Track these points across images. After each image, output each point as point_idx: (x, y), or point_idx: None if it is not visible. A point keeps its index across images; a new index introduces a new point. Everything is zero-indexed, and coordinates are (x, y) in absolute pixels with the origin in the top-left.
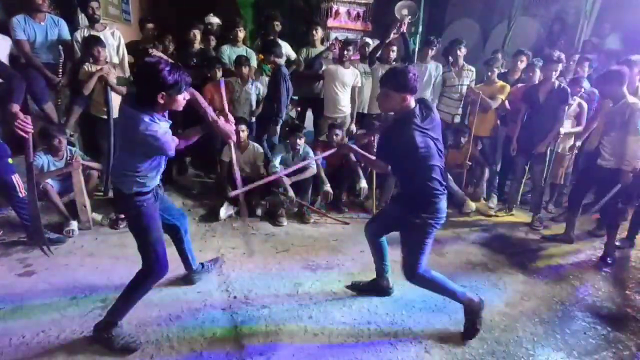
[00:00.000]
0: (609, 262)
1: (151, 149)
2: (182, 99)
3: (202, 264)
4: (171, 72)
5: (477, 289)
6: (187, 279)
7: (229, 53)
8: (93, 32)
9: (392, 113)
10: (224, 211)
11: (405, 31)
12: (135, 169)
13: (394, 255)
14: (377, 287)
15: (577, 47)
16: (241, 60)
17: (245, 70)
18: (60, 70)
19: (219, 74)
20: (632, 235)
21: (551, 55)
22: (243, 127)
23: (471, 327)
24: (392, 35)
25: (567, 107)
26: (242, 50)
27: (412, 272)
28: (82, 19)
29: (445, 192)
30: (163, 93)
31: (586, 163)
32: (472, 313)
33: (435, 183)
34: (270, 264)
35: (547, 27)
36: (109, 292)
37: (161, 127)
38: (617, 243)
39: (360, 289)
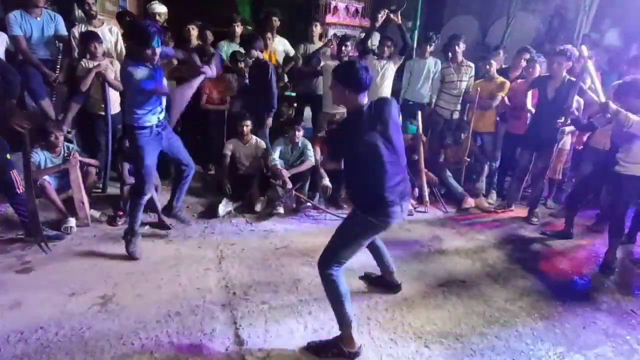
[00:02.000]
0: (610, 270)
1: (130, 85)
2: (150, 53)
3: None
4: (145, 27)
5: (476, 285)
6: (164, 212)
7: (226, 49)
8: (90, 28)
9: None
10: (223, 208)
11: (396, 21)
12: (132, 106)
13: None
14: (385, 283)
15: (577, 43)
16: (237, 56)
17: (242, 65)
18: (58, 66)
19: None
20: (634, 232)
21: (554, 49)
22: (248, 122)
23: (328, 350)
24: (379, 20)
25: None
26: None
27: (322, 263)
28: (80, 15)
29: (402, 201)
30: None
31: (598, 164)
32: (340, 348)
33: (388, 192)
34: (270, 260)
35: (547, 22)
36: (108, 289)
37: (138, 71)
38: None
39: (371, 281)
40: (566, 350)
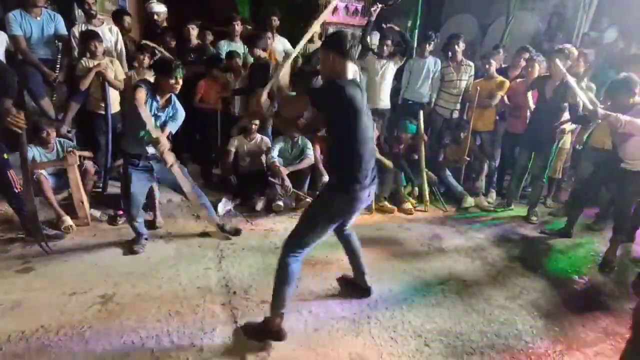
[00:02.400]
0: (610, 268)
1: (130, 107)
2: (174, 82)
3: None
4: (170, 60)
5: (476, 284)
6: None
7: (226, 48)
8: (90, 27)
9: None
10: (222, 206)
11: (395, 29)
12: (127, 130)
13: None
14: (356, 286)
15: (576, 42)
16: (232, 55)
17: (239, 62)
18: (58, 66)
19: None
20: (633, 230)
21: (553, 48)
22: (257, 120)
23: (259, 331)
24: (373, 15)
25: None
26: (239, 45)
27: (286, 247)
28: (80, 14)
29: (370, 186)
30: (155, 74)
31: (600, 163)
32: (266, 328)
33: (362, 173)
34: (270, 260)
35: (546, 21)
36: (108, 288)
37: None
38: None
39: (346, 283)
40: (565, 348)
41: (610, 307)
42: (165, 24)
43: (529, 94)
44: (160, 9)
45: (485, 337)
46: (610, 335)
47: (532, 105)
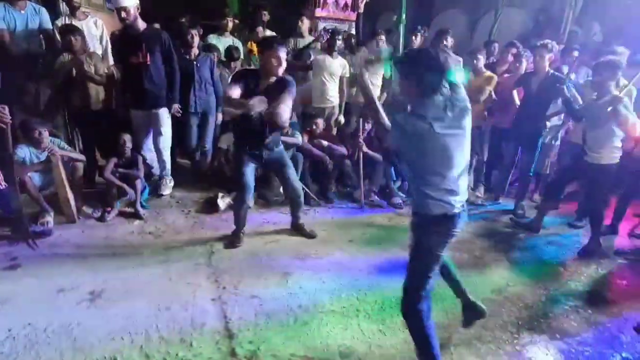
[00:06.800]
0: (589, 256)
1: None
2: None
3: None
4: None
5: (464, 276)
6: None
7: (215, 42)
8: (74, 22)
9: None
10: (222, 202)
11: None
12: None
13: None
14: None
15: (562, 38)
16: (232, 52)
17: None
18: (41, 61)
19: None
20: (616, 223)
21: (538, 43)
22: None
23: None
24: (360, 7)
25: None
26: (229, 40)
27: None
28: (64, 8)
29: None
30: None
31: (573, 157)
32: None
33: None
34: (260, 255)
35: (533, 18)
36: (97, 284)
37: None
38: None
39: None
40: (549, 338)
41: (593, 297)
42: (137, 19)
43: (514, 92)
44: (128, 2)
45: (472, 328)
46: (592, 324)
47: (517, 102)
